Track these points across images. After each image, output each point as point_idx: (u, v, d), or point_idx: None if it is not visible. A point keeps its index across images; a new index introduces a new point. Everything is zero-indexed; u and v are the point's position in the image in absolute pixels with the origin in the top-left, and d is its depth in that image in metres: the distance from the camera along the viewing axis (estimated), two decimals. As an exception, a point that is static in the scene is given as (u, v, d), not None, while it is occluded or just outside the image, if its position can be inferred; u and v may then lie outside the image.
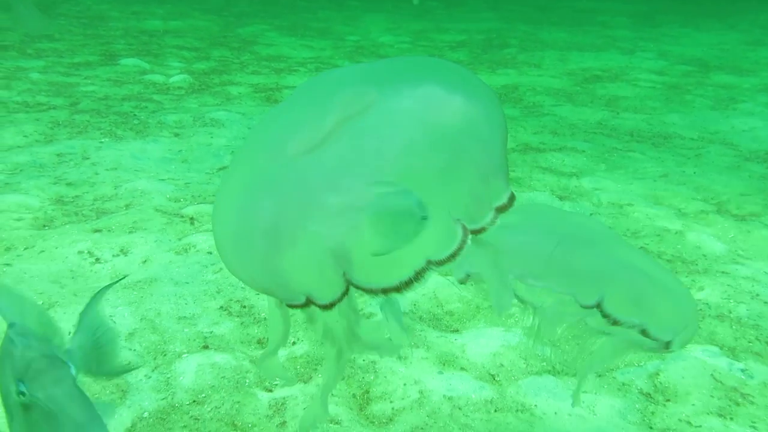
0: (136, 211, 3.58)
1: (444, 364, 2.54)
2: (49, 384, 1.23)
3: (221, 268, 3.01)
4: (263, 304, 2.80)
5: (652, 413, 2.32)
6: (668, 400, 2.38)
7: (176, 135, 4.96)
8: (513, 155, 4.86)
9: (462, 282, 1.77)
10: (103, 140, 4.72)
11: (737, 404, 2.35)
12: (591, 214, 3.91)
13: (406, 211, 1.05)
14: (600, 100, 6.79)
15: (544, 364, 2.55)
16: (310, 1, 14.05)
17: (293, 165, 1.09)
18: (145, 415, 2.20)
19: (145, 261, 3.11)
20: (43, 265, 3.02)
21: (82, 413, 1.21)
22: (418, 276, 1.10)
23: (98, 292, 1.59)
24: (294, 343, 2.60)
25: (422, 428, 2.22)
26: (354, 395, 2.37)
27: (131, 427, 2.14)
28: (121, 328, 2.61)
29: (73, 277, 2.95)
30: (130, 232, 3.34)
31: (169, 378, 2.37)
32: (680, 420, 2.28)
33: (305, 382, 2.40)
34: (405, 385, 2.42)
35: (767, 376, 2.48)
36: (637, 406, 2.35)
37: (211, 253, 3.19)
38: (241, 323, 2.71)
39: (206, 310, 2.77)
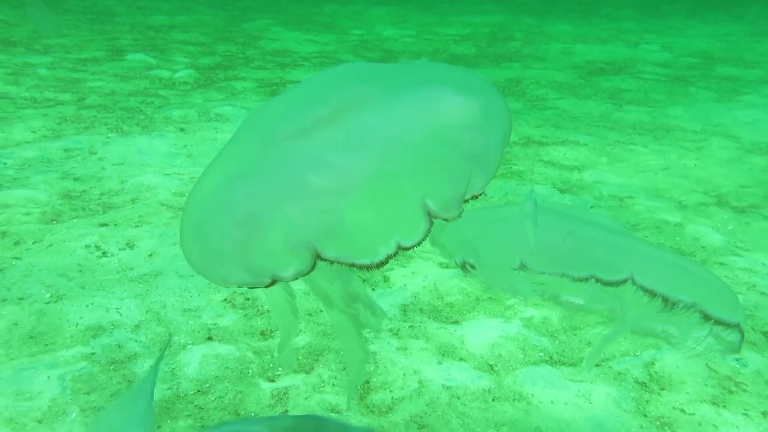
0: (142, 205, 3.64)
1: (443, 355, 2.59)
2: None
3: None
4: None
5: (647, 401, 2.36)
6: (663, 389, 2.42)
7: (182, 130, 5.02)
8: (515, 149, 4.90)
9: (461, 268, 1.76)
10: (109, 135, 4.78)
11: (730, 392, 2.39)
12: (591, 207, 3.94)
13: (381, 198, 1.11)
14: (603, 92, 6.80)
15: (542, 354, 2.60)
16: (315, -5, 14.08)
17: (279, 147, 1.15)
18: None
19: (151, 254, 3.18)
20: (51, 258, 3.08)
21: None
22: (387, 259, 1.15)
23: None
24: (296, 334, 2.66)
25: (421, 417, 2.27)
26: (355, 385, 2.42)
27: (137, 415, 2.20)
28: (127, 320, 2.67)
29: (80, 271, 3.01)
30: (136, 226, 3.40)
31: (174, 368, 2.43)
32: (674, 408, 2.32)
33: (307, 373, 2.45)
34: (404, 375, 2.47)
35: (761, 365, 2.52)
36: (632, 394, 2.40)
37: (215, 246, 3.24)
38: (245, 315, 2.77)
39: (210, 303, 2.83)
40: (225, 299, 2.86)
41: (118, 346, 2.51)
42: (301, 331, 2.67)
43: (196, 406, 2.27)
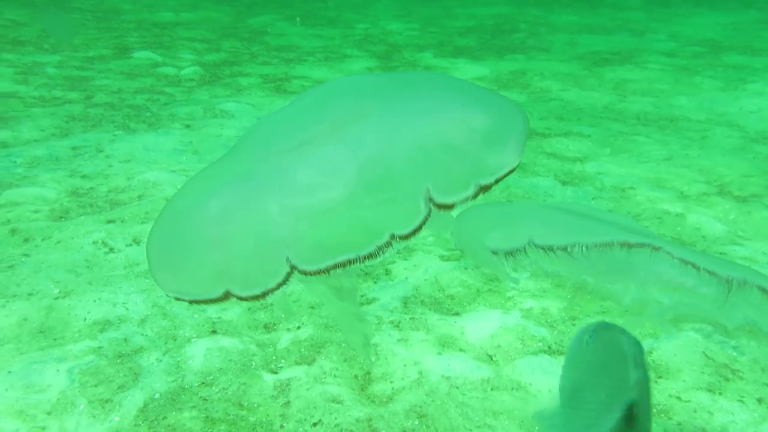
0: (148, 202, 3.70)
1: (443, 346, 2.63)
2: None
3: (229, 256, 3.12)
4: (269, 289, 2.90)
5: (644, 390, 2.39)
6: (660, 377, 2.45)
7: (187, 127, 5.07)
8: (518, 141, 4.92)
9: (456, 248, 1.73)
10: (116, 133, 4.84)
11: (727, 380, 2.42)
12: (593, 199, 3.97)
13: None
14: (608, 83, 6.79)
15: (540, 344, 2.63)
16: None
17: (274, 158, 1.19)
18: (157, 396, 2.32)
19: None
20: (60, 255, 3.15)
21: None
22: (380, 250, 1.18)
23: None
24: (299, 327, 2.71)
25: (420, 407, 2.32)
26: (356, 376, 2.47)
27: (143, 407, 2.26)
28: (134, 314, 2.73)
29: (88, 267, 3.08)
30: (142, 223, 3.46)
31: (179, 361, 2.49)
32: (670, 396, 2.35)
33: (309, 364, 2.50)
34: (405, 366, 2.51)
35: (758, 353, 2.55)
36: (629, 383, 2.43)
37: (220, 241, 3.29)
38: (249, 309, 2.82)
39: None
40: (229, 293, 2.91)
41: (125, 340, 2.57)
42: (303, 324, 2.72)
43: (200, 397, 2.32)
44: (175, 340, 2.61)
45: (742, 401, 2.31)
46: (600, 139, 5.04)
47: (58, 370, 2.37)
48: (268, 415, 2.25)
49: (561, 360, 2.54)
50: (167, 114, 5.33)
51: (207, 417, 2.22)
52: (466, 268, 3.15)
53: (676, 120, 5.59)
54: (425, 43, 9.07)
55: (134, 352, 2.51)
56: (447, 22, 10.59)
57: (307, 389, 2.37)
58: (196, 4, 11.22)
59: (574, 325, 2.76)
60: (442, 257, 3.26)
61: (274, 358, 2.53)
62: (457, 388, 2.40)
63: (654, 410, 2.30)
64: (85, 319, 2.68)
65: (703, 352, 2.55)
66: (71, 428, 2.15)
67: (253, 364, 2.49)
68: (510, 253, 1.57)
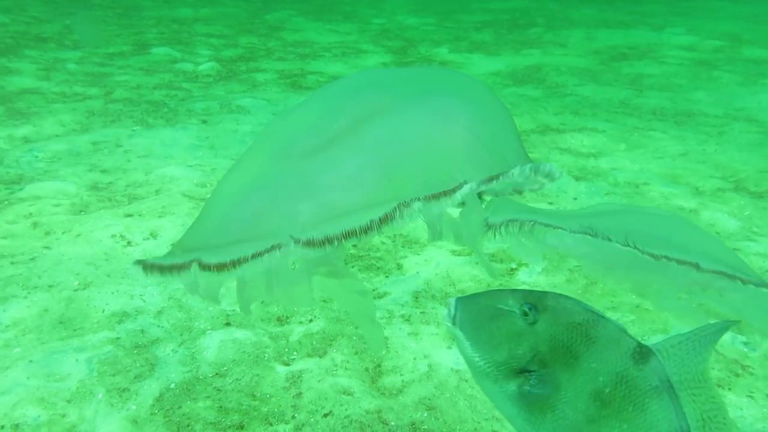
0: (165, 196, 3.76)
1: (453, 340, 2.66)
2: None
3: (244, 250, 3.17)
4: (283, 283, 2.95)
5: (652, 385, 2.41)
6: (669, 373, 2.46)
7: (204, 122, 5.14)
8: (532, 136, 4.92)
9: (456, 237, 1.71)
10: (135, 128, 4.92)
11: (737, 375, 2.42)
12: (606, 194, 3.96)
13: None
14: (625, 78, 6.75)
15: (550, 338, 2.65)
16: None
17: (296, 165, 1.23)
18: (172, 386, 2.38)
19: (173, 244, 3.29)
20: (80, 248, 3.22)
21: None
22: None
23: None
24: (311, 320, 2.75)
25: (430, 399, 2.35)
26: (367, 369, 2.51)
27: (159, 397, 2.32)
28: (151, 306, 2.80)
29: (106, 259, 3.15)
30: (159, 217, 3.53)
31: (194, 352, 2.54)
32: (679, 391, 2.36)
33: (320, 357, 2.55)
34: (415, 359, 2.55)
35: (769, 350, 2.55)
36: (637, 378, 2.44)
37: (235, 235, 3.35)
38: (262, 301, 2.87)
39: (229, 290, 2.92)
40: (243, 286, 2.96)
41: (142, 331, 2.63)
42: (315, 317, 2.76)
43: (214, 388, 2.38)
44: (191, 331, 2.67)
45: (751, 396, 2.32)
46: (615, 134, 5.02)
47: (77, 360, 2.44)
48: (280, 405, 2.30)
49: (570, 354, 2.56)
50: (184, 109, 5.40)
51: (221, 407, 2.27)
52: (477, 263, 3.17)
53: (694, 115, 5.55)
54: (441, 38, 9.07)
55: (151, 343, 2.57)
56: (463, 17, 10.57)
57: (319, 381, 2.41)
58: (215, 0, 11.31)
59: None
60: (453, 252, 3.28)
61: (286, 350, 2.58)
62: (467, 381, 2.43)
63: (662, 405, 2.31)
64: (103, 311, 2.75)
65: (714, 347, 2.55)
66: (90, 416, 2.21)
67: (266, 355, 2.54)
68: (506, 225, 1.54)
